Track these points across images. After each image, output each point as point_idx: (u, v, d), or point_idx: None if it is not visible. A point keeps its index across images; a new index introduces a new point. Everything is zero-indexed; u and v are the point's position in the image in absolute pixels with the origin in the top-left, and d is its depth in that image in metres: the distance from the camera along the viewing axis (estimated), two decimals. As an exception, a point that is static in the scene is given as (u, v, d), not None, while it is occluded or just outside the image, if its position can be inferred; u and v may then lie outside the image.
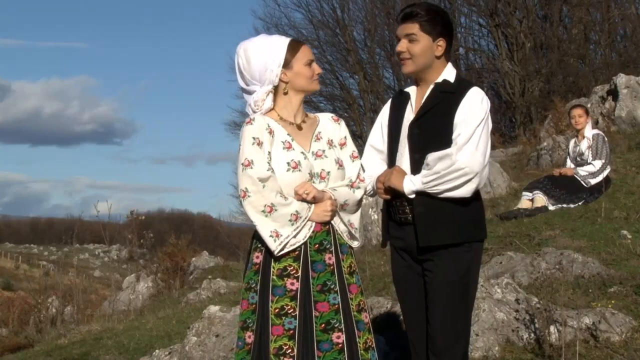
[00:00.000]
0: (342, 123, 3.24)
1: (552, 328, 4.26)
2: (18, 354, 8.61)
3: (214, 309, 5.42)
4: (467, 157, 2.94)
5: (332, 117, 3.23)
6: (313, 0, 27.83)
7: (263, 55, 3.04)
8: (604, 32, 21.68)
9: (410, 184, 3.03)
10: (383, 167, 3.24)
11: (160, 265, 11.84)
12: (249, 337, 3.00)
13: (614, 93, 12.37)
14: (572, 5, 22.09)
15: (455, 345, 3.06)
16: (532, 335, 4.35)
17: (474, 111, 3.01)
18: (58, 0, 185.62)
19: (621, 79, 12.25)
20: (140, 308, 10.37)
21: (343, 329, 2.93)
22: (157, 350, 5.72)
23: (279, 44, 3.07)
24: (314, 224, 3.00)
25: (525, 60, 22.16)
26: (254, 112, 3.09)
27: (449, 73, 3.14)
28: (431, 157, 3.00)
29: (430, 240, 3.03)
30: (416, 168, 3.06)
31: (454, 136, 3.00)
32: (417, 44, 3.05)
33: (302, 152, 3.03)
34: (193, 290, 10.19)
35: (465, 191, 2.99)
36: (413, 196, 3.05)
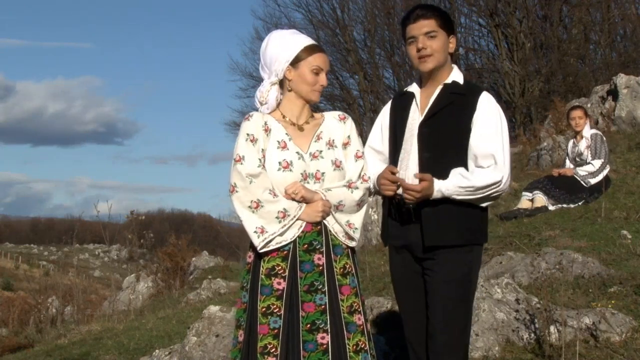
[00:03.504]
0: (349, 121, 3.21)
1: (552, 328, 4.25)
2: (18, 354, 8.60)
3: (214, 309, 5.42)
4: (507, 178, 3.03)
5: (338, 115, 3.22)
6: (313, 0, 27.91)
7: (279, 45, 3.08)
8: (604, 32, 21.65)
9: (440, 193, 3.01)
10: (382, 167, 3.25)
11: (160, 265, 11.83)
12: (241, 335, 3.04)
13: (614, 93, 12.37)
14: (572, 5, 22.08)
15: (455, 344, 3.06)
16: (532, 335, 4.35)
17: (499, 124, 3.06)
18: (63, 1, 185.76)
19: (621, 79, 12.25)
20: (140, 308, 10.37)
21: (328, 330, 2.93)
22: (157, 350, 5.71)
23: (298, 41, 3.07)
24: (304, 223, 3.00)
25: (525, 60, 22.15)
26: (261, 103, 3.13)
27: (457, 75, 3.17)
28: (465, 172, 3.01)
29: (437, 239, 3.04)
30: (425, 167, 3.06)
31: (481, 149, 3.02)
32: (436, 40, 3.07)
33: (298, 153, 3.04)
34: (193, 290, 10.19)
35: (488, 204, 3.12)
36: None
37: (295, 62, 3.06)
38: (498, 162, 3.01)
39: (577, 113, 8.27)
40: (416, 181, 3.01)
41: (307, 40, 3.10)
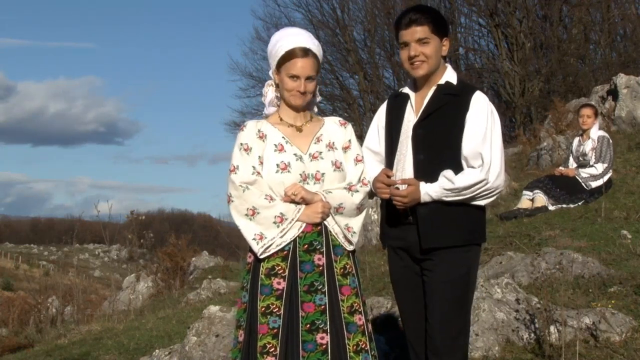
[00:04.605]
0: (349, 127, 3.26)
1: (552, 328, 4.25)
2: (18, 354, 8.60)
3: (214, 309, 5.42)
4: (495, 176, 3.02)
5: (339, 120, 3.25)
6: (313, 0, 27.88)
7: (271, 48, 3.13)
8: (604, 32, 21.66)
9: (428, 196, 3.02)
10: (380, 168, 3.25)
11: (160, 265, 11.83)
12: (241, 335, 3.05)
13: (614, 93, 12.37)
14: (572, 5, 22.08)
15: (454, 344, 3.07)
16: (532, 335, 4.35)
17: (489, 123, 3.04)
18: (64, 1, 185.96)
19: (621, 79, 12.25)
20: (140, 308, 10.37)
21: (328, 330, 2.94)
22: (157, 350, 5.71)
23: (282, 46, 3.07)
24: (303, 224, 3.01)
25: (525, 60, 22.15)
26: (265, 104, 3.21)
27: (450, 75, 3.17)
28: (450, 174, 3.00)
29: (434, 242, 3.04)
30: (420, 169, 3.07)
31: (469, 149, 3.01)
32: (429, 46, 3.07)
33: (296, 154, 3.05)
34: (193, 290, 10.19)
35: (486, 202, 3.10)
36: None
37: (279, 67, 3.09)
38: (485, 161, 3.00)
39: (586, 111, 8.18)
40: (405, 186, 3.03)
41: (291, 44, 3.07)
